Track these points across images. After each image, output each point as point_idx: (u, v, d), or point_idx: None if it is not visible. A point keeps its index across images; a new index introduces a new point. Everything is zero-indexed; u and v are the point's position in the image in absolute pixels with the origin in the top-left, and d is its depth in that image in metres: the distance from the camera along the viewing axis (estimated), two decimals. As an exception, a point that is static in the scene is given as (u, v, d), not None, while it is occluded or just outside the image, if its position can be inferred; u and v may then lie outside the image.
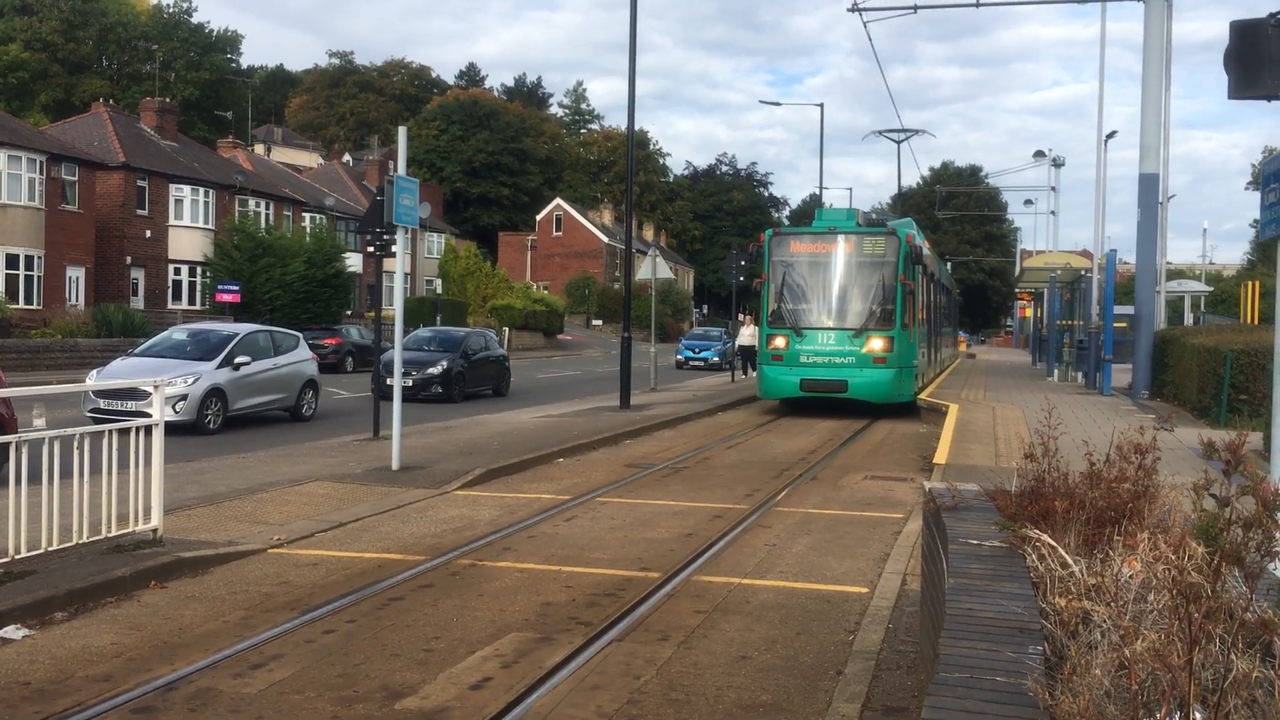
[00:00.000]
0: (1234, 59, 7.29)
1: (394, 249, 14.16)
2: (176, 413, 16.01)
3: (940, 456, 14.14)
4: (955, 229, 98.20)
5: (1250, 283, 38.85)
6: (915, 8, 24.49)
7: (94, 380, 16.66)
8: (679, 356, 42.69)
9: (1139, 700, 2.67)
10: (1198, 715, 2.60)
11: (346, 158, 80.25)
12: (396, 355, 13.66)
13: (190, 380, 16.75)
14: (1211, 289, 53.87)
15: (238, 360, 17.73)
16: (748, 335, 33.04)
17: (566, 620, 6.99)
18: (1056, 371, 32.38)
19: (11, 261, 37.29)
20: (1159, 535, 3.71)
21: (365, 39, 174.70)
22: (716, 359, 41.52)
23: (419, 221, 14.10)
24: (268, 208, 50.04)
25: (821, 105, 44.95)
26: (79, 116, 50.46)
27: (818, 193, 47.37)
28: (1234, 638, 2.81)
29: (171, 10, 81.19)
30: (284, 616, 6.92)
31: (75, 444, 7.65)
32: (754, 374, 31.03)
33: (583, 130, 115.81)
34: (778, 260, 21.98)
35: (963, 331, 72.21)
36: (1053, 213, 51.88)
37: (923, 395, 23.73)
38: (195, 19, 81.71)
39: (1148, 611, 3.34)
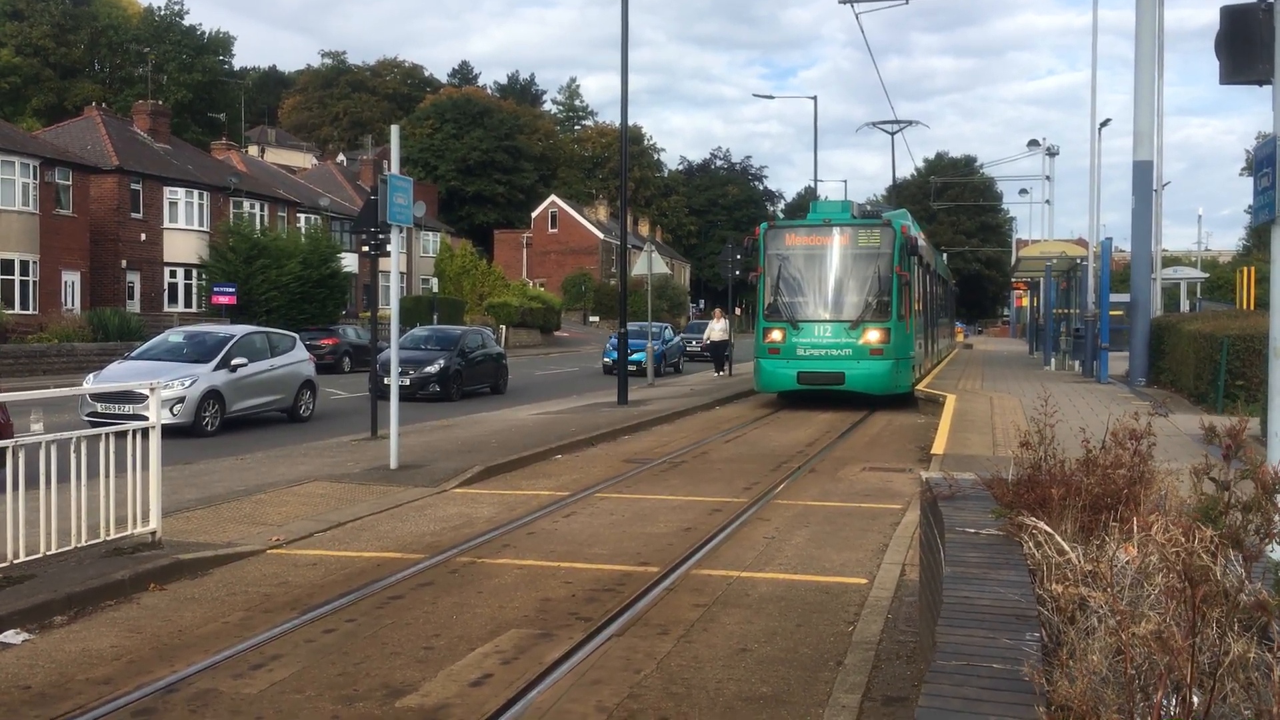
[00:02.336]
0: (1225, 44, 7.28)
1: (389, 248, 14.14)
2: (174, 415, 16.03)
3: (938, 447, 14.15)
4: (951, 219, 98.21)
5: (1246, 268, 38.80)
6: (907, -2, 24.47)
7: (91, 384, 16.65)
8: (605, 360, 33.98)
9: (1135, 684, 2.68)
10: (1194, 698, 2.60)
11: (340, 158, 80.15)
12: (393, 354, 13.65)
13: (187, 383, 16.75)
14: (1207, 275, 53.77)
15: (234, 362, 17.73)
16: (718, 330, 32.65)
17: (566, 616, 6.99)
18: (1054, 360, 32.39)
19: (6, 267, 37.24)
20: (1167, 518, 3.72)
21: (358, 39, 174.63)
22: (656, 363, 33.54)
23: (414, 220, 14.09)
24: (262, 209, 49.98)
25: (815, 98, 44.89)
26: (71, 121, 50.33)
27: (812, 185, 47.45)
28: (1230, 620, 2.81)
29: (163, 13, 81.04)
30: (284, 616, 6.92)
31: (72, 448, 7.65)
32: (724, 373, 30.94)
33: (577, 127, 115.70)
34: (773, 254, 22.01)
35: (960, 322, 72.21)
36: (1048, 202, 51.99)
37: (920, 386, 23.74)
38: (187, 21, 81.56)
39: (1144, 597, 3.35)
